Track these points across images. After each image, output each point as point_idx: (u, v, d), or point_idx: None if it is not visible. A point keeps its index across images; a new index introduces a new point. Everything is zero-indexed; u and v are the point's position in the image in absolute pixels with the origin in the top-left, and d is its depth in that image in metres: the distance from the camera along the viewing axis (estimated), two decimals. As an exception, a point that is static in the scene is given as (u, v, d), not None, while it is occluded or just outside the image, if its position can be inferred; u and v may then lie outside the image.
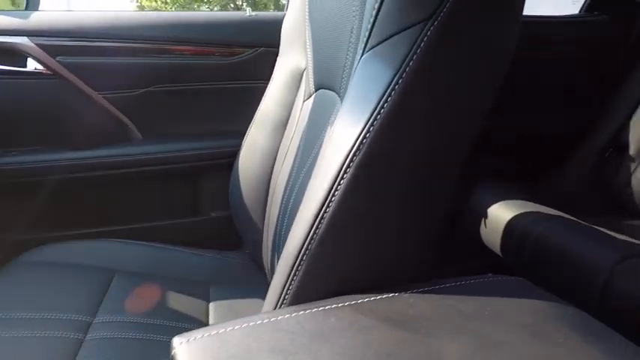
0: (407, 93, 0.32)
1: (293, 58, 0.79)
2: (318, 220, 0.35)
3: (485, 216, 1.01)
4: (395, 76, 0.32)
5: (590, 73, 1.32)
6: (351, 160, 0.33)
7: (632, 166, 1.16)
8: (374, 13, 0.34)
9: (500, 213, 0.97)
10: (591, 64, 1.31)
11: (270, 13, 1.10)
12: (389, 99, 0.32)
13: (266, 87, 0.86)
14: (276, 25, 0.87)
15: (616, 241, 0.82)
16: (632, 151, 1.17)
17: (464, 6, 0.32)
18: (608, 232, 0.92)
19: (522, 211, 0.93)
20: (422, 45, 0.31)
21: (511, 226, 0.93)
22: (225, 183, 0.93)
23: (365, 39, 0.36)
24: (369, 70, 0.35)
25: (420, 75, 0.32)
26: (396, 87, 0.32)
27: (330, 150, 0.36)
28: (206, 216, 1.11)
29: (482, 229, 1.02)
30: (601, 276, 0.74)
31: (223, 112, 1.07)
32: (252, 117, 0.87)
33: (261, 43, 1.02)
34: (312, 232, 0.36)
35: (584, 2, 1.29)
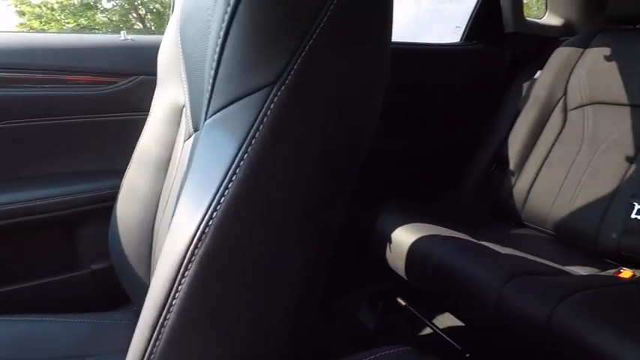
0: (254, 165, 0.27)
1: (171, 90, 0.70)
2: (165, 312, 0.29)
3: (390, 241, 1.02)
4: (240, 148, 0.27)
5: (474, 95, 1.45)
6: (193, 254, 0.27)
7: (513, 179, 1.29)
8: (212, 73, 0.29)
9: (404, 237, 0.99)
10: (473, 88, 1.44)
11: (151, 37, 0.99)
12: (234, 177, 0.27)
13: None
14: (157, 51, 0.78)
15: (504, 260, 0.88)
16: (512, 165, 1.30)
17: (315, 62, 0.28)
18: (499, 247, 0.99)
19: (423, 235, 0.96)
20: (269, 112, 0.27)
21: (414, 250, 0.95)
22: (105, 230, 0.80)
23: (207, 101, 0.31)
24: (213, 140, 0.29)
25: (269, 143, 0.28)
26: (241, 163, 0.27)
27: (169, 242, 0.30)
28: (86, 269, 0.95)
29: (388, 254, 1.03)
30: (492, 296, 0.78)
31: (98, 149, 0.93)
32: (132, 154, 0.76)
33: (140, 71, 0.91)
34: (160, 320, 0.30)
35: (463, 32, 1.42)
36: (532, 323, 0.70)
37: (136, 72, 0.92)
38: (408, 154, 1.40)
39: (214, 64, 0.29)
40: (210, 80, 0.30)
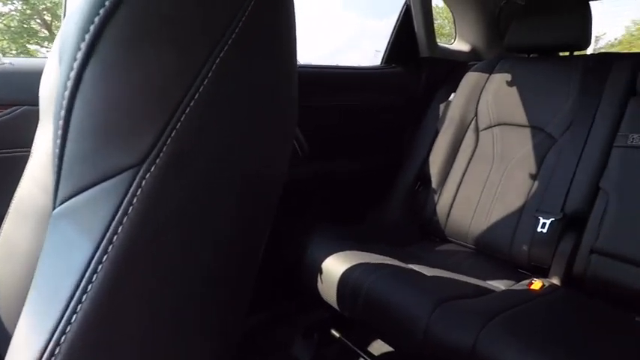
0: (117, 271, 0.22)
1: (50, 130, 0.59)
2: None
3: (321, 271, 0.99)
4: (96, 250, 0.21)
5: (395, 116, 1.50)
6: None
7: (436, 197, 1.35)
8: (57, 151, 0.23)
9: (334, 267, 0.97)
10: (395, 109, 1.49)
11: (35, 60, 0.86)
12: (89, 288, 0.21)
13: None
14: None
15: (432, 284, 0.90)
16: (434, 184, 1.36)
17: (194, 130, 0.23)
18: (426, 268, 1.01)
19: (353, 264, 0.94)
20: (135, 201, 0.21)
21: (344, 280, 0.93)
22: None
23: (54, 184, 0.24)
24: (62, 237, 0.23)
25: (138, 239, 0.22)
26: (99, 268, 0.21)
27: None
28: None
29: (320, 285, 1.00)
30: (421, 325, 0.78)
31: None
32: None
33: (23, 100, 0.78)
34: None
35: (383, 56, 1.47)
36: (459, 351, 0.71)
37: (17, 102, 0.78)
38: (334, 177, 1.41)
39: (59, 139, 0.23)
40: (56, 160, 0.23)
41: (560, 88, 1.16)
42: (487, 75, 1.34)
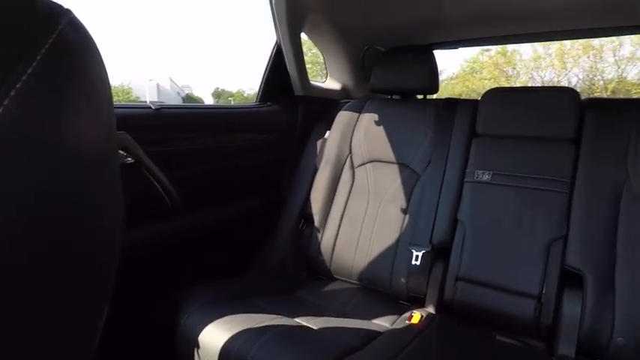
0: None
1: None
2: None
3: (197, 345, 0.85)
4: None
5: (274, 154, 1.47)
6: None
7: (319, 235, 1.34)
8: None
9: (213, 339, 0.85)
10: (272, 148, 1.45)
11: None
12: None
13: None
14: None
15: (320, 342, 0.85)
16: (316, 222, 1.35)
17: None
18: (312, 319, 0.96)
19: (235, 332, 0.84)
20: None
21: (225, 353, 0.82)
22: None
23: None
24: None
25: None
26: None
27: None
28: None
29: (198, 361, 0.86)
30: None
31: None
32: None
33: None
34: None
35: (257, 94, 1.43)
36: None
37: None
38: (212, 226, 1.29)
39: None
40: None
41: (419, 128, 1.28)
42: (357, 114, 1.41)
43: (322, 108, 1.57)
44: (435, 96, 1.46)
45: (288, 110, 1.47)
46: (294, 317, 0.97)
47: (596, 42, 5.50)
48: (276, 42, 1.35)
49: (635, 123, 0.99)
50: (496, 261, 1.05)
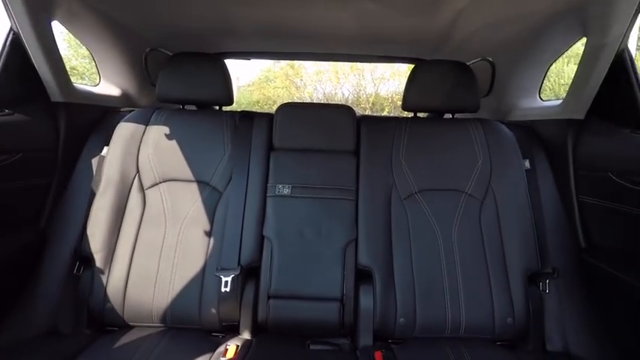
0: None
1: None
2: None
3: None
4: None
5: (24, 177, 1.08)
6: None
7: (104, 278, 1.06)
8: None
9: None
10: (20, 168, 1.06)
11: None
12: None
13: None
14: None
15: None
16: (99, 262, 1.06)
17: None
18: None
19: None
20: None
21: None
22: None
23: None
24: None
25: None
26: None
27: None
28: None
29: None
30: None
31: None
32: None
33: None
34: None
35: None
36: None
37: None
38: None
39: None
40: None
41: (217, 142, 1.19)
42: (144, 126, 1.20)
43: (96, 118, 1.27)
44: (235, 102, 1.41)
45: (41, 120, 1.11)
46: None
47: (359, 65, 6.83)
48: (11, 29, 0.99)
49: (392, 137, 1.20)
50: (303, 273, 1.08)
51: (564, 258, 1.09)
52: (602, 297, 1.03)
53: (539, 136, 1.26)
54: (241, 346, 0.97)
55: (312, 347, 0.99)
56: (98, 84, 1.43)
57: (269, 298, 1.06)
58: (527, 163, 1.19)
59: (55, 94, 1.12)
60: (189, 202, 1.14)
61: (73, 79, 1.18)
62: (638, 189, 0.89)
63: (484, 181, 1.14)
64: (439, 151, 1.18)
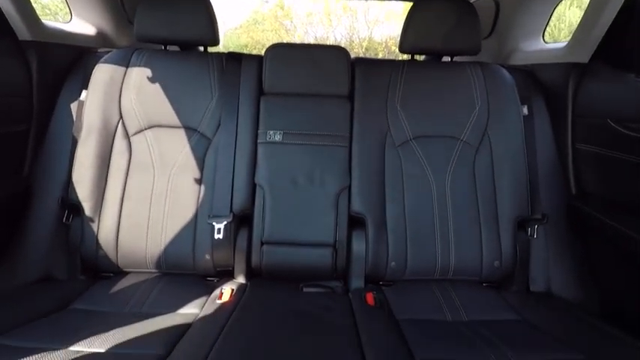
0: None
1: None
2: None
3: None
4: None
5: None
6: None
7: (95, 226, 1.05)
8: None
9: None
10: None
11: None
12: None
13: None
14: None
15: None
16: (88, 210, 1.05)
17: None
18: (99, 340, 0.76)
19: None
20: None
21: None
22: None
23: None
24: None
25: None
26: None
27: None
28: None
29: None
30: None
31: None
32: None
33: None
34: None
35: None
36: None
37: None
38: None
39: None
40: None
41: (204, 86, 1.13)
42: (124, 68, 1.12)
43: (71, 60, 1.18)
44: (221, 46, 1.31)
45: (10, 61, 1.02)
46: (71, 345, 0.74)
47: (352, 4, 6.41)
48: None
49: (388, 81, 1.14)
50: (295, 219, 1.08)
51: (554, 204, 1.11)
52: (588, 242, 1.06)
53: (539, 81, 1.21)
54: (236, 289, 0.99)
55: (305, 290, 1.01)
56: (70, 21, 1.31)
57: (262, 244, 1.07)
58: (525, 109, 1.16)
59: (22, 31, 1.03)
60: (177, 149, 1.10)
61: (46, 18, 1.08)
62: (635, 135, 0.88)
63: (480, 127, 1.11)
64: (436, 96, 1.14)
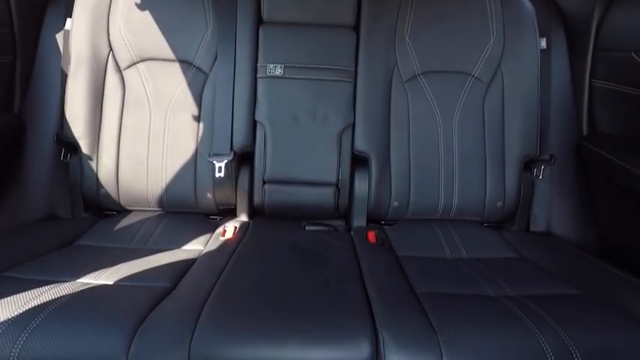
0: None
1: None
2: None
3: None
4: None
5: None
6: None
7: (93, 164, 1.03)
8: None
9: None
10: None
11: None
12: None
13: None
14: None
15: (119, 302, 0.68)
16: (84, 148, 1.01)
17: None
18: (107, 274, 0.78)
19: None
20: None
21: None
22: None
23: None
24: None
25: None
26: None
27: None
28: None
29: None
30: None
31: None
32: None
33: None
34: None
35: None
36: None
37: None
38: None
39: None
40: None
41: (198, 15, 1.04)
42: None
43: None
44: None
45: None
46: (79, 277, 0.75)
47: None
48: None
49: (397, 10, 1.05)
50: (297, 158, 1.05)
51: (563, 144, 1.08)
52: (593, 184, 1.04)
53: (561, 12, 1.12)
54: (239, 227, 1.00)
55: (307, 228, 1.02)
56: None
57: (264, 183, 1.06)
58: (543, 43, 1.08)
59: None
60: (173, 84, 1.05)
61: None
62: None
63: (494, 61, 1.05)
64: (448, 27, 1.05)
